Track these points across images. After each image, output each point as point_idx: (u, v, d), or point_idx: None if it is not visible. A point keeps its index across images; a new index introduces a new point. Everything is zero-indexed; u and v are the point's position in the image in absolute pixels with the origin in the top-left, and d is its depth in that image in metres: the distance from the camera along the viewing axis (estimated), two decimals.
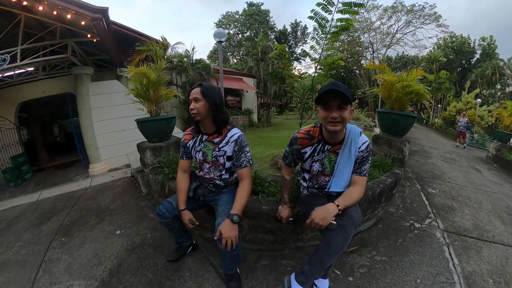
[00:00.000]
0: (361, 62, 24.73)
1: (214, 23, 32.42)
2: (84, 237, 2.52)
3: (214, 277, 1.80)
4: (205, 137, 1.62)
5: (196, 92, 1.49)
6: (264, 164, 4.67)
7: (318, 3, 2.90)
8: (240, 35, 31.22)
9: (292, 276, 1.42)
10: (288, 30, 32.06)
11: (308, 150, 1.47)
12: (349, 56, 23.81)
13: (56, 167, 6.41)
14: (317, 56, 3.50)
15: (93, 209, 3.19)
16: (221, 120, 1.55)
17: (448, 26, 20.77)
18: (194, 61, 8.05)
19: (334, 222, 1.25)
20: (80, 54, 4.62)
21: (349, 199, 1.33)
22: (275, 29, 31.62)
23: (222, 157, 1.60)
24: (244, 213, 1.81)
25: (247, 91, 13.58)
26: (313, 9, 3.00)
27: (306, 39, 31.41)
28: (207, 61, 28.69)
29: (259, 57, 13.63)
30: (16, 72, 4.62)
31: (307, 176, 1.59)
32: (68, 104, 5.43)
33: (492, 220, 2.65)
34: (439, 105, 19.86)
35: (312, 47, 3.43)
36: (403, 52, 27.29)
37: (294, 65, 31.89)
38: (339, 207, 1.27)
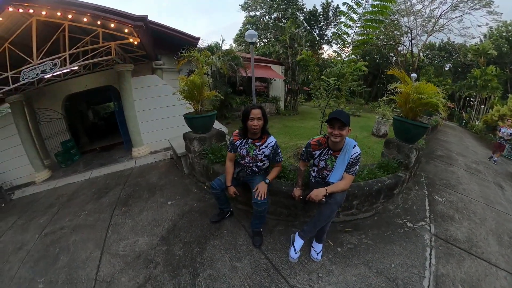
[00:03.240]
0: (398, 49, 23.69)
1: (240, 5, 32.16)
2: (141, 207, 3.38)
3: (244, 234, 2.73)
4: (250, 140, 2.49)
5: (259, 113, 2.33)
6: (287, 154, 5.22)
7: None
8: (267, 17, 30.93)
9: (296, 233, 2.27)
10: (319, 11, 30.99)
11: (317, 153, 2.30)
12: (385, 41, 22.86)
13: (99, 149, 7.51)
14: (347, 42, 3.75)
15: (144, 185, 4.09)
16: (266, 131, 2.50)
17: (501, 14, 18.95)
18: (224, 52, 8.73)
19: (324, 200, 2.07)
20: (120, 53, 5.38)
21: (336, 187, 2.11)
22: (304, 9, 30.73)
23: (261, 155, 2.50)
24: (270, 191, 2.60)
25: (275, 80, 13.99)
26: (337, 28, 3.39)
27: (337, 20, 30.30)
28: (234, 45, 28.99)
29: (288, 44, 13.87)
30: (64, 71, 5.35)
31: (315, 169, 2.41)
32: (100, 93, 6.53)
33: (488, 238, 2.79)
34: (483, 106, 18.53)
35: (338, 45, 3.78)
36: (448, 39, 25.49)
37: (324, 49, 31.15)
38: (327, 191, 2.07)
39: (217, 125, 5.21)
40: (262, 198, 2.26)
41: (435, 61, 25.99)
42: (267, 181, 2.40)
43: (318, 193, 2.06)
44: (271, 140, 2.48)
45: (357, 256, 2.37)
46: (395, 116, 3.66)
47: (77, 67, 5.37)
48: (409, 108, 3.35)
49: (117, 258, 2.53)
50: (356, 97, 18.97)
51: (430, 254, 2.42)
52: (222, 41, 8.99)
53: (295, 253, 2.23)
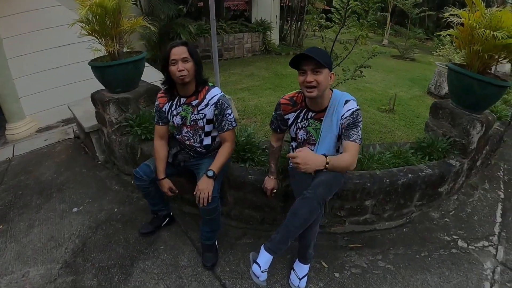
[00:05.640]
0: None
1: None
2: (30, 221, 3.69)
3: (191, 250, 3.09)
4: (182, 100, 2.69)
5: (184, 51, 2.45)
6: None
7: None
8: None
9: (262, 245, 2.43)
10: None
11: (291, 117, 2.55)
12: None
13: None
14: None
15: (32, 186, 4.39)
16: (202, 80, 2.64)
17: None
18: None
19: (313, 174, 2.23)
20: None
21: (339, 161, 2.19)
22: None
23: (201, 120, 2.68)
24: (229, 181, 2.97)
25: None
26: None
27: None
28: None
29: None
30: None
31: (294, 144, 2.70)
32: None
33: None
34: None
35: None
36: None
37: None
38: (327, 165, 2.09)
39: (152, 75, 5.37)
40: (205, 203, 2.48)
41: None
42: (210, 173, 2.52)
43: (310, 162, 2.05)
44: (214, 93, 2.64)
45: (365, 286, 2.66)
46: (450, 64, 3.67)
47: None
48: (474, 53, 3.35)
49: None
50: (411, 26, 18.63)
51: None
52: None
53: (262, 271, 2.25)
